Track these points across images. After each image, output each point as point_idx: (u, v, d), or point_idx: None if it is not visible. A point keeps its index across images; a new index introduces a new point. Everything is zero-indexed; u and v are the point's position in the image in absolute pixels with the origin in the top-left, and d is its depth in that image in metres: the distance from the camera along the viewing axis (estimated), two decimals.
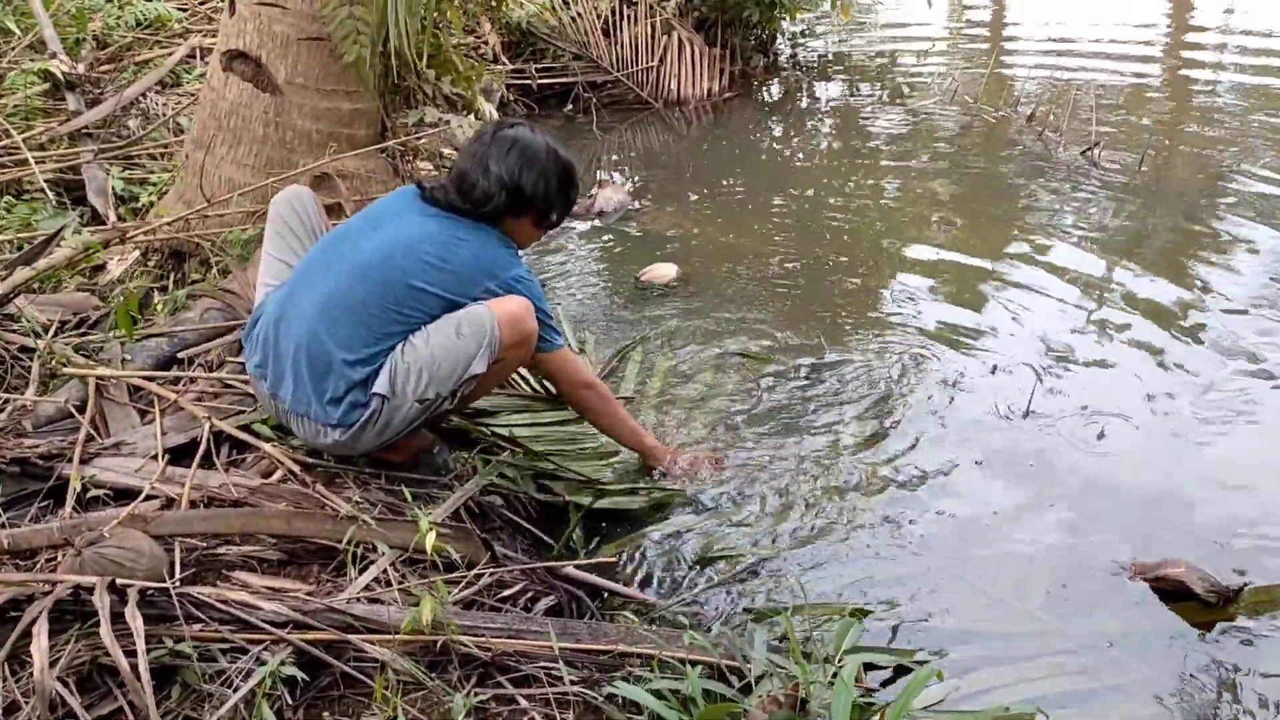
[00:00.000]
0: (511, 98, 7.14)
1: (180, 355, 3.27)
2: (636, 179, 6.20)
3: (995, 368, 3.86)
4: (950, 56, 8.65)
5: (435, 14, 4.11)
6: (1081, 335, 4.05)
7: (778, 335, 4.15)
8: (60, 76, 4.88)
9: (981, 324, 4.18)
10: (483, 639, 2.21)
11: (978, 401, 3.64)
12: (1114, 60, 8.00)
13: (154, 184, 4.44)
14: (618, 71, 7.43)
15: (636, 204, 5.67)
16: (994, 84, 7.42)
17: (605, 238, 5.30)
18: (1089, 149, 5.90)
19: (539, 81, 7.32)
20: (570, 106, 7.37)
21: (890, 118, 7.01)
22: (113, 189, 4.36)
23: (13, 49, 5.23)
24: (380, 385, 2.64)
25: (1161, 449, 3.34)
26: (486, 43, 7.02)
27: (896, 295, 4.48)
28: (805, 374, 3.86)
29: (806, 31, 9.31)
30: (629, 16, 7.38)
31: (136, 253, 3.91)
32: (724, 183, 6.10)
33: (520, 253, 2.92)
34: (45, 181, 4.24)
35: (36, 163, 4.31)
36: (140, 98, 4.98)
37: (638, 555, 2.96)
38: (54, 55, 4.96)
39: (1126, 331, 4.06)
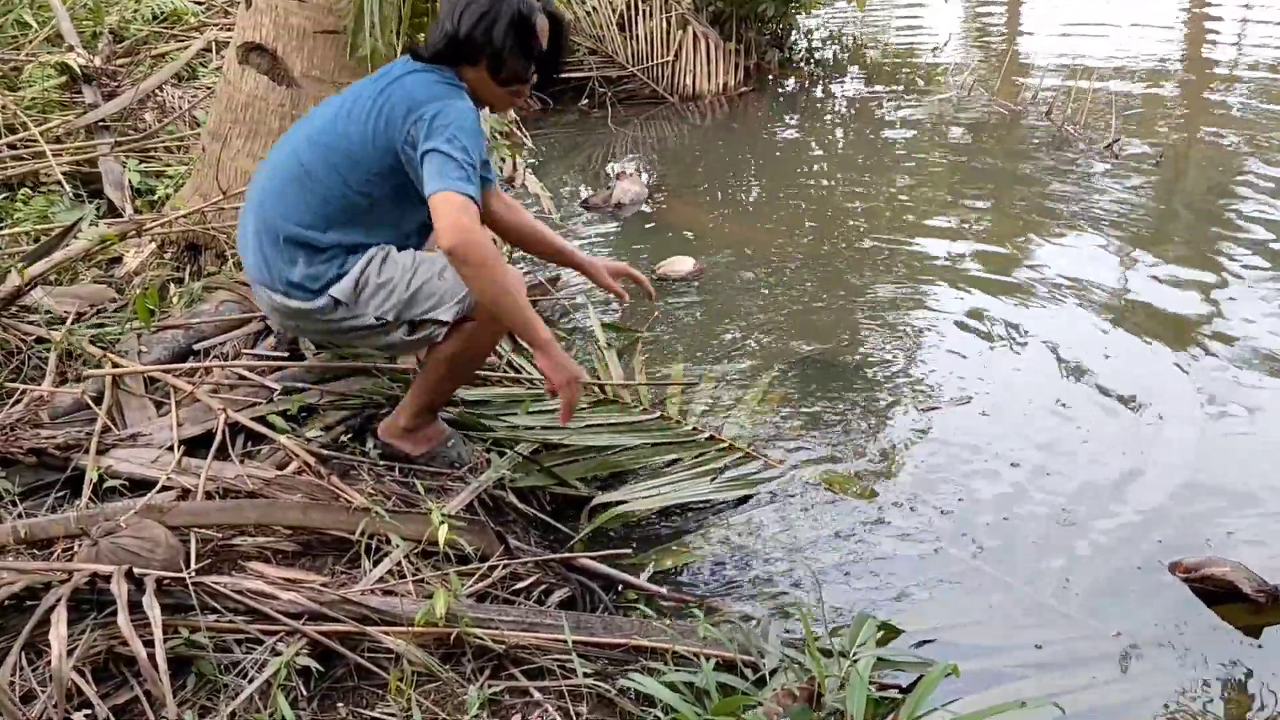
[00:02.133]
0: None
1: (196, 347, 3.27)
2: (653, 173, 6.19)
3: (1018, 360, 3.84)
4: (966, 50, 8.62)
5: None
6: (1106, 326, 4.04)
7: (795, 328, 4.14)
8: (77, 70, 4.90)
9: (1003, 317, 4.17)
10: (496, 631, 2.20)
11: (1003, 395, 3.63)
12: (1132, 55, 7.96)
13: (171, 177, 4.45)
14: (633, 66, 7.42)
15: (653, 197, 5.66)
16: (1011, 77, 7.38)
17: (623, 230, 5.30)
18: (1110, 143, 5.86)
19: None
20: (586, 101, 7.36)
21: (906, 111, 6.99)
22: (129, 182, 4.37)
23: (30, 42, 5.25)
24: (341, 290, 2.67)
25: (1200, 444, 3.30)
26: None
27: (916, 287, 4.47)
28: (823, 367, 3.85)
29: (822, 25, 9.28)
30: (644, 11, 7.37)
31: (153, 245, 3.92)
32: (740, 176, 6.09)
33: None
34: (62, 174, 4.25)
35: (53, 155, 4.33)
36: (157, 91, 4.99)
37: (654, 548, 2.95)
38: (71, 49, 4.98)
39: (1152, 323, 4.04)
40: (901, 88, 7.57)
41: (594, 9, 7.38)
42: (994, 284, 4.46)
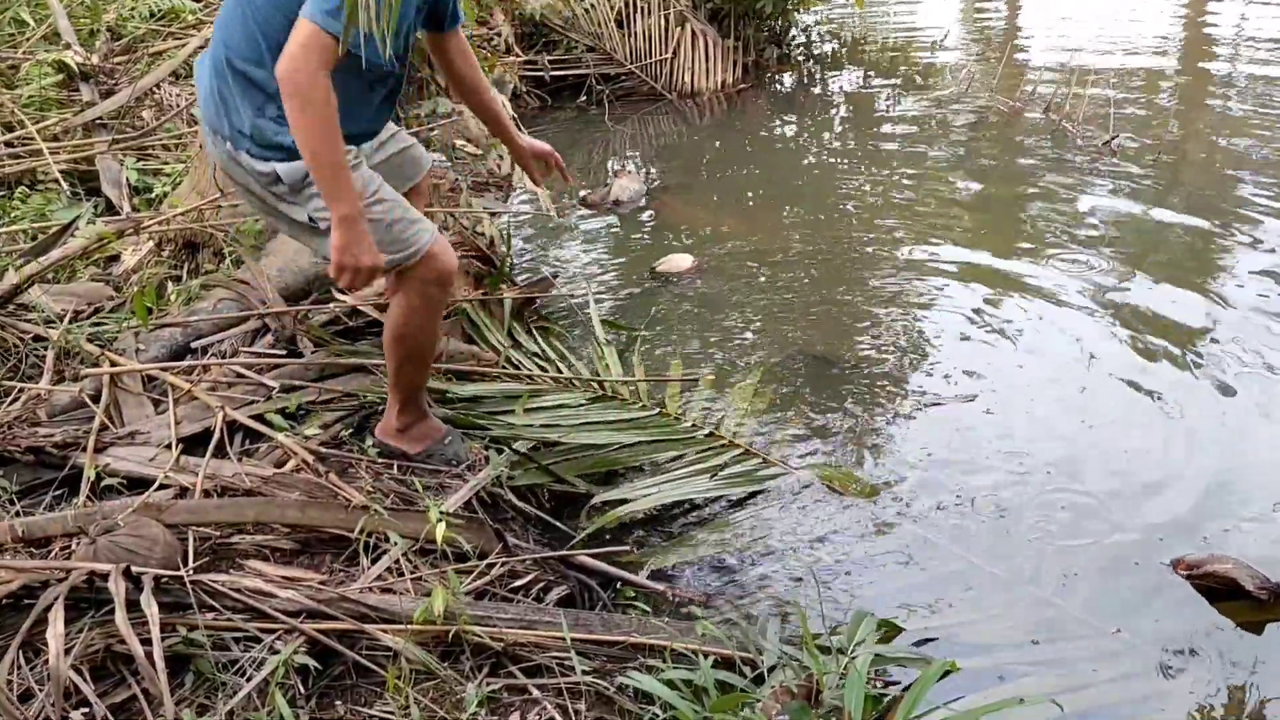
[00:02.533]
0: (524, 89, 7.13)
1: (194, 345, 3.27)
2: (651, 170, 6.19)
3: (1020, 358, 3.84)
4: (964, 47, 8.61)
5: None
6: (1106, 323, 4.03)
7: (795, 325, 4.14)
8: (75, 68, 4.89)
9: (1004, 313, 4.15)
10: (495, 629, 2.20)
11: (1006, 393, 3.62)
12: (1131, 51, 7.96)
13: (168, 174, 4.44)
14: (631, 64, 7.42)
15: (651, 194, 5.66)
16: (1009, 75, 7.37)
17: (622, 228, 5.30)
18: (1108, 140, 5.86)
19: (552, 73, 7.32)
20: (584, 98, 7.36)
21: (904, 109, 6.98)
22: (127, 180, 4.37)
23: (28, 40, 5.24)
24: (286, 172, 2.53)
25: (1203, 443, 3.29)
26: (499, 33, 7.01)
27: (916, 284, 4.46)
28: (823, 365, 3.85)
29: (820, 21, 9.27)
30: (642, 9, 7.37)
31: (151, 243, 3.91)
32: (738, 173, 6.09)
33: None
34: (60, 172, 4.25)
35: (51, 154, 4.33)
36: (154, 89, 4.99)
37: (653, 546, 2.95)
38: (68, 46, 4.98)
39: (1150, 321, 4.02)
40: (900, 83, 7.57)
41: (592, 6, 7.38)
42: (995, 280, 4.45)
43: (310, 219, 2.59)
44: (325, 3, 2.22)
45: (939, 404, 3.57)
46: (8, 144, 4.45)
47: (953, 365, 3.81)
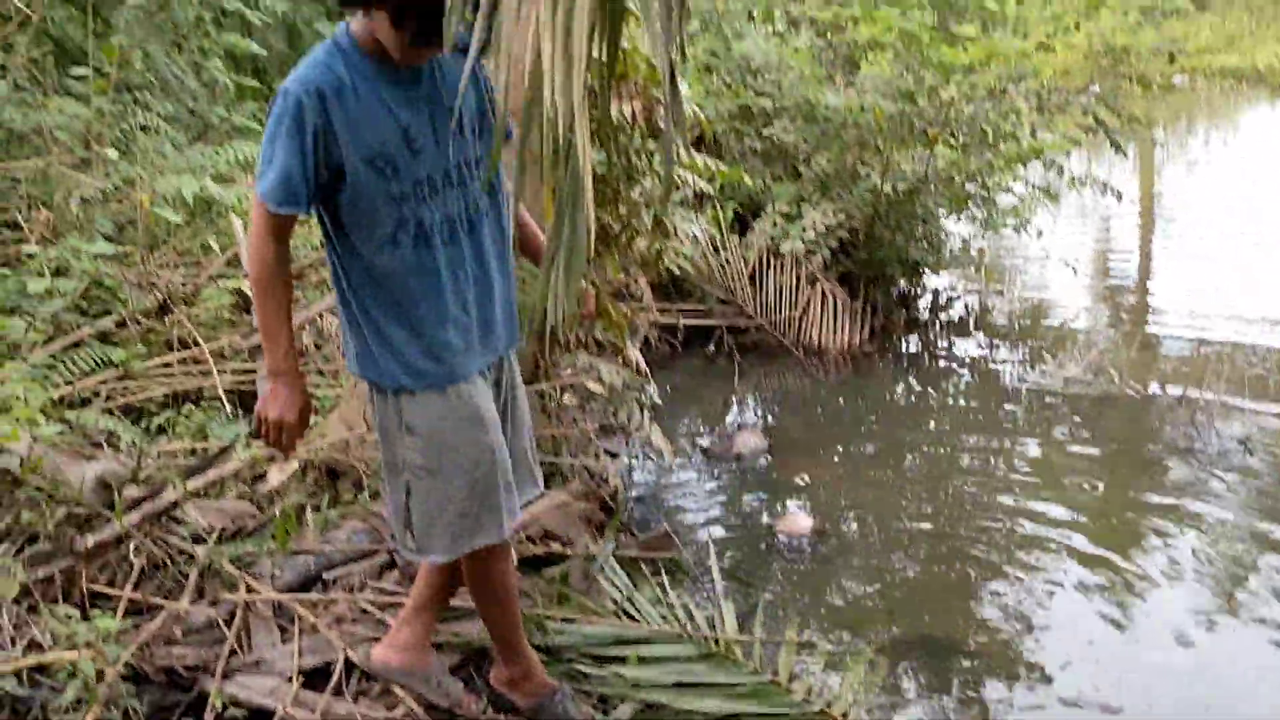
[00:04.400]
0: (655, 335, 7.42)
1: (326, 576, 3.42)
2: (774, 424, 6.31)
3: (1132, 647, 3.74)
4: (1095, 321, 8.66)
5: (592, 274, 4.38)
6: (1225, 617, 3.92)
7: (912, 598, 4.11)
8: (248, 293, 5.31)
9: (1114, 601, 4.07)
10: None
11: (1123, 683, 3.51)
12: (1268, 328, 7.86)
13: (322, 399, 4.73)
14: (761, 317, 7.67)
15: (772, 450, 5.76)
16: (1139, 356, 7.38)
17: (742, 481, 5.39)
18: (1243, 439, 5.77)
19: (684, 322, 7.61)
20: (712, 347, 7.60)
21: (1030, 382, 7.01)
22: None
23: (212, 263, 5.73)
24: (352, 363, 2.67)
25: None
26: (636, 281, 7.36)
27: (1033, 566, 4.41)
28: (938, 643, 3.80)
29: (949, 288, 9.48)
30: (775, 266, 7.67)
31: (295, 465, 4.15)
32: (860, 434, 6.16)
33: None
34: (224, 391, 4.57)
35: (218, 373, 4.66)
36: (317, 317, 5.37)
37: None
38: (247, 276, 5.41)
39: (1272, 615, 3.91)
40: (1027, 356, 7.63)
41: (728, 261, 7.72)
42: (1108, 566, 4.38)
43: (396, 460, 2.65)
44: (261, 175, 2.38)
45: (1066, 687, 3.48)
46: (181, 361, 4.82)
47: (1071, 654, 3.72)
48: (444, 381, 2.55)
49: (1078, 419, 6.28)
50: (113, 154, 5.65)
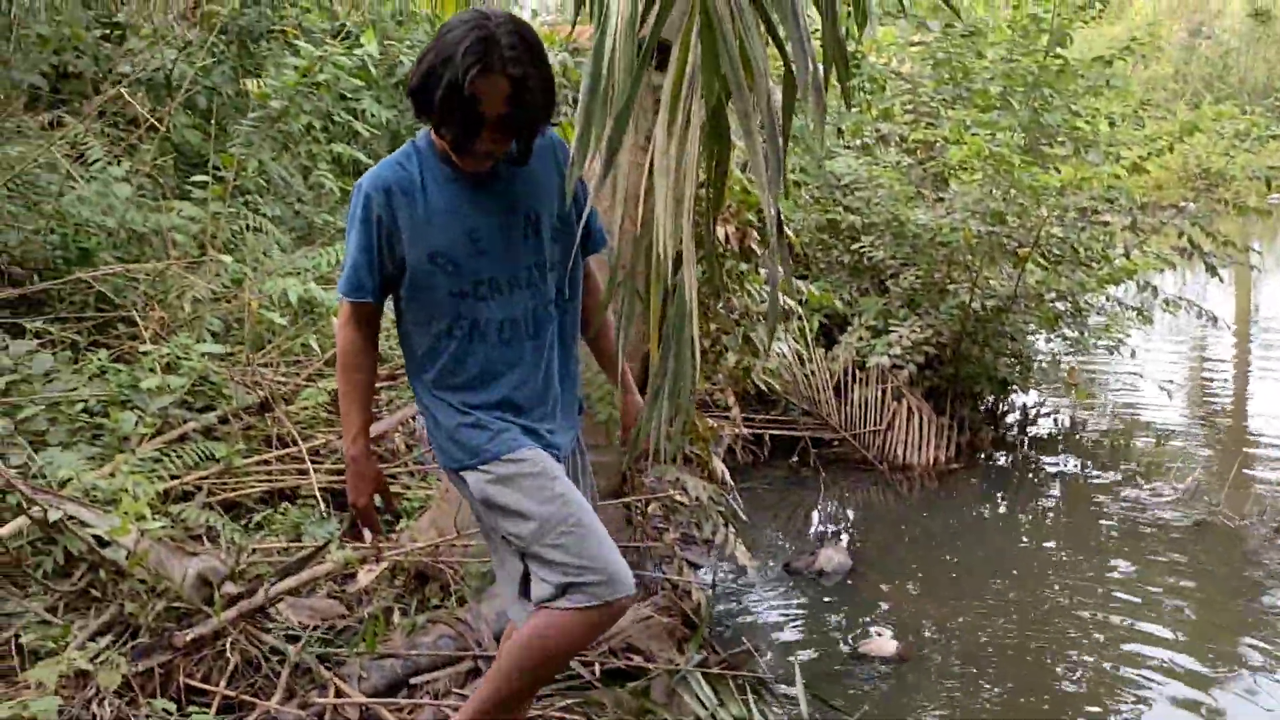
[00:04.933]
0: (739, 445, 7.43)
1: (412, 681, 3.46)
2: (858, 541, 6.25)
3: None
4: (1189, 442, 8.47)
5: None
6: None
7: None
8: None
9: None
10: None
11: None
12: None
13: (409, 500, 4.83)
14: (845, 431, 7.66)
15: (857, 568, 5.70)
16: (1237, 480, 7.19)
17: (826, 599, 5.34)
18: None
19: (768, 432, 7.62)
20: (795, 459, 7.59)
21: (1121, 504, 6.86)
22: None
23: (312, 363, 5.92)
24: (473, 482, 2.63)
25: None
26: (723, 393, 7.41)
27: (1122, 686, 4.31)
28: None
29: (1037, 404, 9.36)
30: (860, 380, 7.68)
31: (385, 566, 4.23)
32: (946, 553, 6.07)
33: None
34: (319, 490, 4.69)
35: (315, 472, 4.80)
36: (410, 419, 5.50)
37: None
38: None
39: None
40: (1118, 477, 7.48)
41: (812, 373, 7.75)
42: (1211, 692, 4.25)
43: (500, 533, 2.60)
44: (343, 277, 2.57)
45: None
46: (279, 459, 4.97)
47: None
48: (502, 450, 2.55)
49: (1171, 543, 6.13)
50: (227, 258, 5.91)
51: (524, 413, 2.60)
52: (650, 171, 1.77)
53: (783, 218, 4.77)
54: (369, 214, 2.48)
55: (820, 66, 1.69)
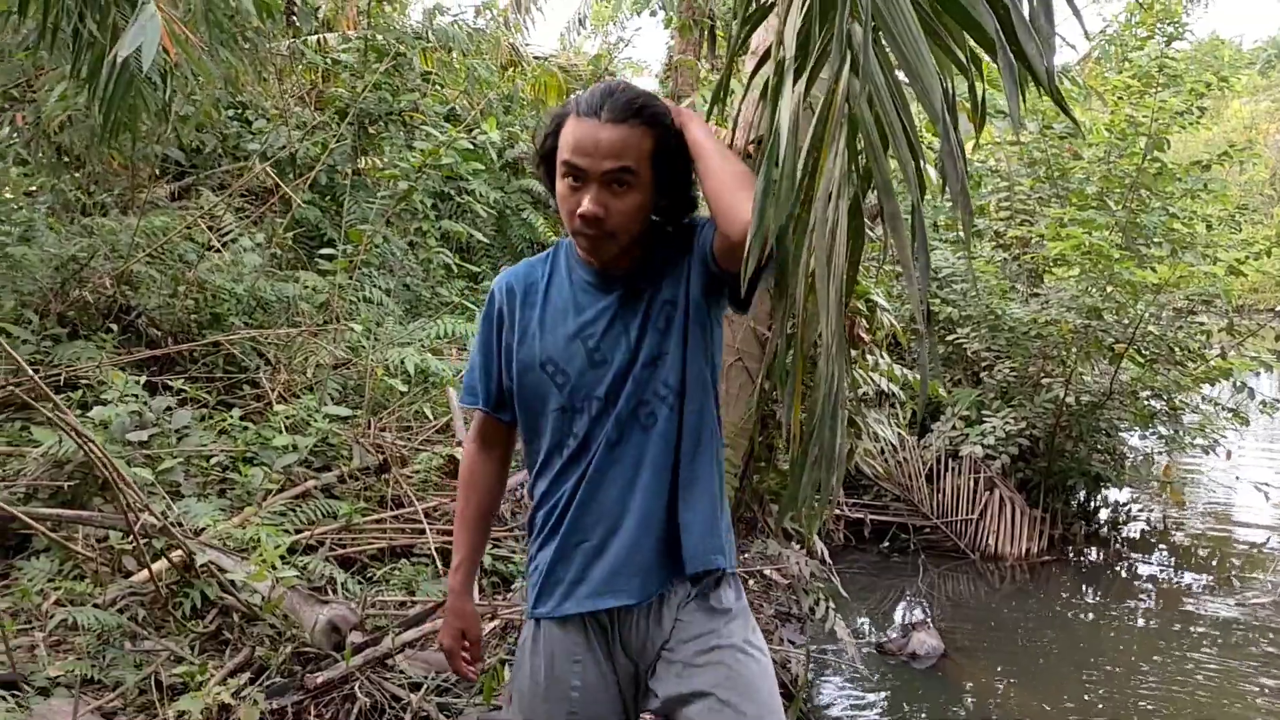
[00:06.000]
0: (831, 526, 7.52)
1: None
2: (948, 626, 6.28)
3: None
4: None
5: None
6: None
7: None
8: (457, 457, 5.72)
9: None
10: None
11: None
12: None
13: (516, 563, 5.02)
14: (937, 518, 7.70)
15: (947, 654, 5.73)
16: None
17: (916, 682, 5.38)
18: None
19: (858, 516, 7.70)
20: (887, 544, 7.65)
21: (1215, 606, 6.80)
22: (482, 563, 4.98)
23: (425, 430, 6.20)
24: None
25: None
26: None
27: None
28: None
29: (1131, 501, 9.29)
30: (953, 468, 7.74)
31: (497, 623, 4.41)
32: (1034, 647, 6.07)
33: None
34: (434, 549, 4.91)
35: (430, 531, 5.02)
36: (519, 486, 5.72)
37: None
38: (460, 444, 5.84)
39: None
40: (1212, 579, 7.40)
41: (905, 459, 7.83)
42: None
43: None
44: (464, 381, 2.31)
45: None
46: (394, 518, 5.21)
47: None
48: (531, 612, 2.18)
49: (1265, 647, 6.05)
50: (357, 326, 6.24)
51: (570, 548, 2.13)
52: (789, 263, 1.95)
53: (882, 307, 4.96)
54: (490, 310, 2.23)
55: (964, 171, 1.87)
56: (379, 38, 9.05)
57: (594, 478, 2.10)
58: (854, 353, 4.68)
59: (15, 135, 7.15)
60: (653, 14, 13.89)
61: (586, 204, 2.00)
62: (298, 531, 4.80)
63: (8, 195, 7.46)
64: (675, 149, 2.06)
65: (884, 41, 1.86)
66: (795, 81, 1.94)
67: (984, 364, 8.13)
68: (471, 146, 7.64)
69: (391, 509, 5.36)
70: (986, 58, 2.04)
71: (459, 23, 9.53)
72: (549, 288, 2.19)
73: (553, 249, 2.26)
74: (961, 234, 8.96)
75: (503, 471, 2.36)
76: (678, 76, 13.79)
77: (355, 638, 3.88)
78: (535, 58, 12.19)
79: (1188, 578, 7.48)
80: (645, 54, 62.44)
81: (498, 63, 10.95)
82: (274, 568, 4.02)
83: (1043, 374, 7.83)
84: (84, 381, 5.35)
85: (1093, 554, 7.95)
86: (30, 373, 3.86)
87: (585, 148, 1.99)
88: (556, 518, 2.13)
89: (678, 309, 2.12)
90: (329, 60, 9.22)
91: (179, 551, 4.00)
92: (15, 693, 3.33)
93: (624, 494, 2.10)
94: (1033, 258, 8.55)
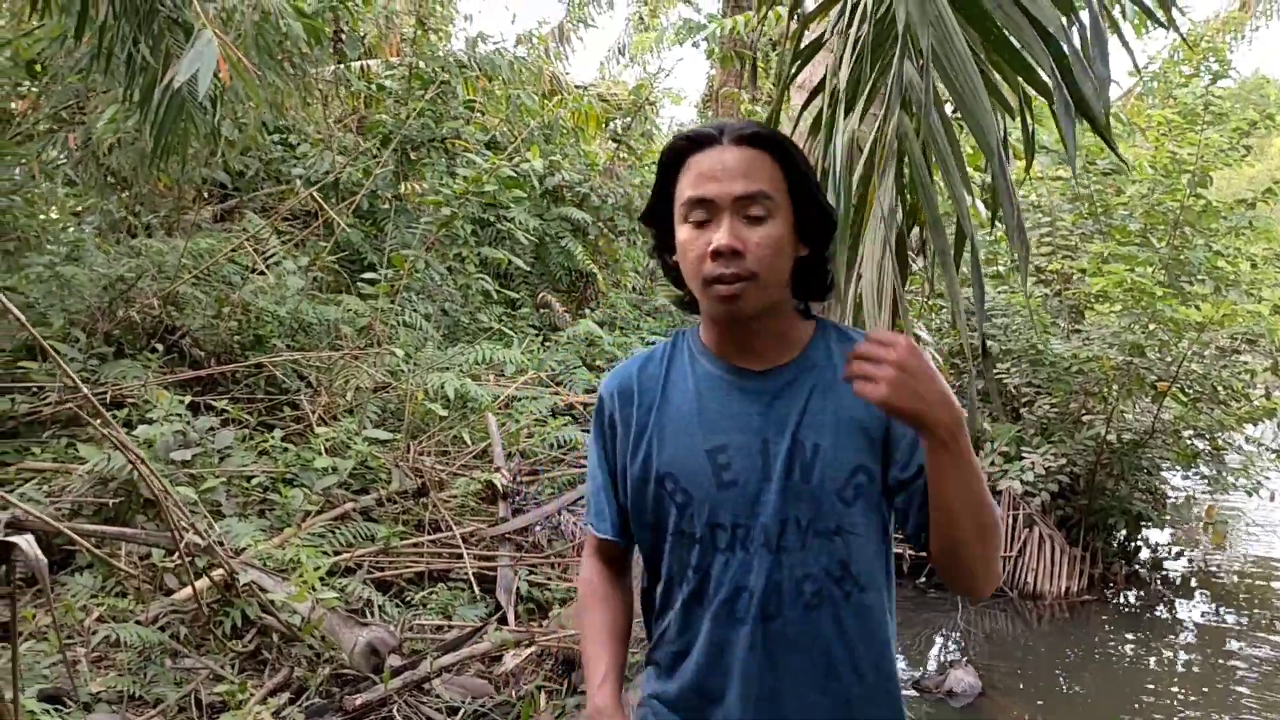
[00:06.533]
0: None
1: None
2: (985, 664, 6.21)
3: None
4: None
5: None
6: None
7: None
8: (499, 487, 5.75)
9: None
10: None
11: None
12: None
13: (551, 590, 5.04)
14: None
15: (984, 692, 5.67)
16: None
17: None
18: None
19: (895, 550, 7.64)
20: (924, 579, 7.58)
21: (1256, 650, 6.68)
22: (518, 589, 4.99)
23: (463, 455, 6.23)
24: None
25: None
26: None
27: None
28: None
29: (1172, 544, 9.17)
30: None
31: (532, 650, 4.42)
32: (1075, 685, 5.99)
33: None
34: (472, 574, 4.93)
35: (468, 556, 5.05)
36: (555, 514, 5.74)
37: None
38: (499, 470, 5.87)
39: None
40: (1254, 623, 7.27)
41: None
42: None
43: None
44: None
45: None
46: (431, 542, 5.24)
47: None
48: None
49: None
50: (399, 351, 6.29)
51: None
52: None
53: (924, 340, 4.94)
54: (601, 421, 1.89)
55: (1018, 207, 1.88)
56: (422, 65, 9.16)
57: (719, 636, 1.77)
58: None
59: (64, 156, 7.30)
60: (695, 45, 13.97)
61: (720, 235, 1.64)
62: (336, 553, 4.84)
63: (55, 215, 7.61)
64: (811, 183, 1.73)
65: (937, 79, 1.88)
66: (847, 115, 1.96)
67: (1024, 399, 8.07)
68: (513, 174, 7.70)
69: (429, 533, 5.39)
70: (1037, 96, 2.06)
71: (501, 50, 9.63)
72: (668, 385, 1.84)
73: (677, 335, 1.91)
74: (1006, 268, 8.98)
75: (625, 588, 2.01)
76: (718, 106, 13.88)
77: (394, 661, 3.90)
78: (575, 86, 12.31)
79: (1229, 619, 7.36)
80: (684, 83, 62.71)
81: (539, 91, 11.06)
82: (314, 589, 4.05)
83: (1084, 410, 7.76)
84: (129, 400, 5.43)
85: (1133, 594, 7.84)
86: (84, 389, 3.92)
87: (712, 172, 1.67)
88: (669, 669, 1.87)
89: (842, 463, 1.76)
90: (373, 86, 9.35)
91: (221, 570, 4.05)
92: (59, 707, 3.37)
93: (776, 687, 1.75)
94: (1074, 293, 8.50)
